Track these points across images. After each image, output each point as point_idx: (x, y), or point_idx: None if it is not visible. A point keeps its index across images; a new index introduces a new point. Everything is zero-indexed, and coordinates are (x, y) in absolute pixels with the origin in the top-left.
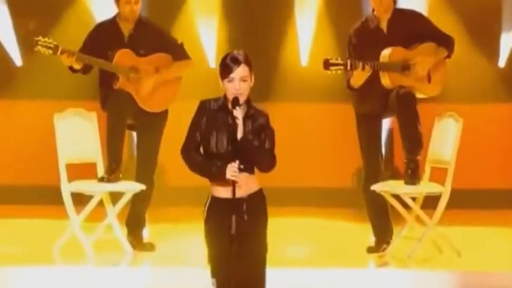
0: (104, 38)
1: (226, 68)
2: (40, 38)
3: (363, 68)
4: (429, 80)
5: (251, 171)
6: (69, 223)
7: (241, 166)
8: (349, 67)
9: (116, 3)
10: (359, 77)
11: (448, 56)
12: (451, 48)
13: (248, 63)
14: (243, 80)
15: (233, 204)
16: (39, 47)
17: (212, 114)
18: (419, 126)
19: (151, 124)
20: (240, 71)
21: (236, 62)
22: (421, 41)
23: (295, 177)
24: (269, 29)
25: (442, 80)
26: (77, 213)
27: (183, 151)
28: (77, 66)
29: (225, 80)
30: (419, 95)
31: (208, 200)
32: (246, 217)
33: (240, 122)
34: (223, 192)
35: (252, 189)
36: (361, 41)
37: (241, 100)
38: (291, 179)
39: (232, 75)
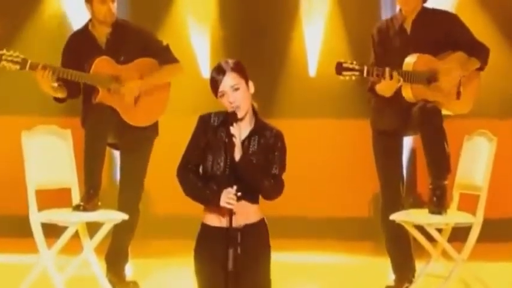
0: (78, 50)
1: (212, 82)
2: (4, 51)
3: (388, 77)
4: (458, 96)
5: (252, 200)
6: (39, 258)
7: (239, 194)
8: (365, 74)
9: (88, 5)
10: (388, 88)
11: (481, 69)
12: (483, 60)
13: (237, 69)
14: (235, 88)
15: (226, 235)
16: (4, 63)
17: (213, 131)
18: (447, 146)
19: (138, 142)
20: (228, 80)
21: (220, 71)
22: (453, 49)
23: (302, 205)
24: (272, 34)
25: (473, 96)
26: (48, 246)
27: (178, 171)
28: (60, 95)
29: (218, 96)
30: (445, 112)
31: (199, 229)
32: (239, 251)
33: (237, 140)
34: (215, 220)
35: (250, 219)
36: (382, 42)
37: (241, 114)
38: (298, 208)
39: (221, 89)
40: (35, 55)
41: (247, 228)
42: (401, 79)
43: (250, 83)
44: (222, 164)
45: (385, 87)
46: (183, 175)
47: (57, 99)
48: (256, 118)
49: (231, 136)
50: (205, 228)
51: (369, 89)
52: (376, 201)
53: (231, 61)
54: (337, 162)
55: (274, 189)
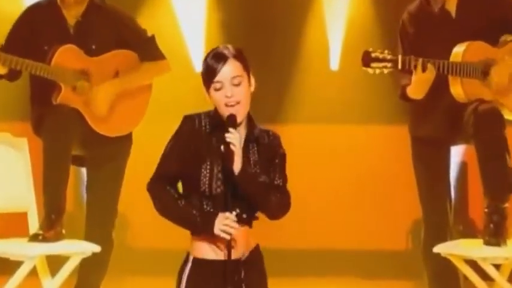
0: (39, 28)
1: (208, 70)
2: None
3: (424, 69)
4: None
5: (251, 224)
6: None
7: (244, 215)
8: (400, 65)
9: None
10: (420, 84)
11: None
12: None
13: (240, 58)
14: (235, 82)
15: (227, 270)
16: None
17: (204, 137)
18: (509, 159)
19: (109, 156)
20: (229, 70)
21: (220, 58)
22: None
23: (320, 235)
24: (283, 16)
25: None
26: None
27: (151, 184)
28: (2, 71)
29: (211, 89)
30: (508, 116)
31: (188, 265)
32: (244, 287)
33: (237, 149)
34: (209, 251)
35: (250, 246)
36: (418, 30)
37: (241, 115)
38: (319, 239)
39: (218, 78)
40: None
41: (249, 259)
42: (435, 69)
43: (252, 79)
44: (220, 180)
45: (417, 85)
46: (157, 189)
47: None
48: (249, 121)
49: (228, 144)
50: (197, 264)
51: (400, 96)
52: (416, 230)
53: (231, 47)
54: (366, 180)
55: (282, 205)
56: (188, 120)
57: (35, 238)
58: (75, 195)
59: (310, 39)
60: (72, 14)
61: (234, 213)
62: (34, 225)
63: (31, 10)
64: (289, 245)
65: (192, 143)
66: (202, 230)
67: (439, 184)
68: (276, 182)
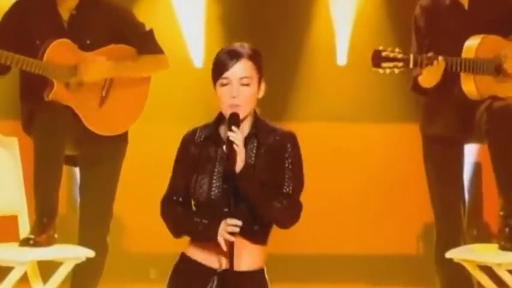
0: (30, 21)
1: (219, 64)
2: None
3: (432, 63)
4: None
5: (252, 237)
6: None
7: (240, 223)
8: (411, 64)
9: None
10: (429, 75)
11: None
12: None
13: (255, 59)
14: (244, 82)
15: (216, 278)
16: None
17: (200, 149)
18: None
19: (104, 156)
20: (240, 69)
21: (234, 55)
22: None
23: (332, 239)
24: (286, 9)
25: None
26: None
27: (162, 207)
28: None
29: (218, 83)
30: None
31: (176, 260)
32: None
33: (240, 149)
34: (199, 253)
35: (252, 264)
36: (430, 23)
37: (241, 116)
38: (326, 243)
39: (227, 74)
40: None
41: (239, 277)
42: (443, 62)
43: (262, 85)
44: (205, 186)
45: (427, 77)
46: (168, 211)
47: None
48: (255, 119)
49: (230, 143)
50: (182, 260)
51: (412, 88)
52: (428, 234)
53: (248, 46)
54: (376, 181)
55: (288, 213)
56: (184, 138)
57: (25, 243)
58: (67, 197)
59: (316, 33)
60: (65, 7)
61: (236, 221)
62: (25, 229)
63: (22, 2)
64: (295, 249)
65: (187, 156)
66: (206, 238)
67: (452, 186)
68: (285, 190)
